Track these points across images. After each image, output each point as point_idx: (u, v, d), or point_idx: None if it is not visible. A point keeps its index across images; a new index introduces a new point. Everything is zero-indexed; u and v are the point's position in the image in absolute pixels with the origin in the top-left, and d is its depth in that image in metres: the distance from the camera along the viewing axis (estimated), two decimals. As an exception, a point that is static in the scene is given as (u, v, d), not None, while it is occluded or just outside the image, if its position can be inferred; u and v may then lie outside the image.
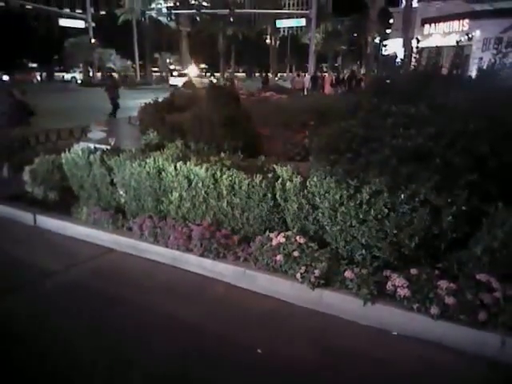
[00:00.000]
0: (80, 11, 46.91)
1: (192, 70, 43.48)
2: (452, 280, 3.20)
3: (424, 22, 24.87)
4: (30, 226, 5.43)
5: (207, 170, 4.38)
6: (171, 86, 30.58)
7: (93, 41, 40.08)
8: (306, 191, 3.84)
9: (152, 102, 10.35)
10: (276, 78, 49.14)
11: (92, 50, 39.82)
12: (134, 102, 15.62)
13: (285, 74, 62.50)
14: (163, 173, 4.65)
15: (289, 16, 42.58)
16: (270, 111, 8.98)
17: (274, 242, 3.85)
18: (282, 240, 3.82)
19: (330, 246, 3.80)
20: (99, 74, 43.92)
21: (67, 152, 5.54)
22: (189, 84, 21.51)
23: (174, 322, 3.38)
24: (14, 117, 8.61)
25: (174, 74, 42.13)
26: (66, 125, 9.92)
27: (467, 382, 2.82)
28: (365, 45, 40.18)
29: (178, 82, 31.27)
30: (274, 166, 4.31)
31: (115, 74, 27.85)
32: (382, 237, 3.42)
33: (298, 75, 27.73)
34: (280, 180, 4.03)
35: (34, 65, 52.88)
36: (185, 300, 3.74)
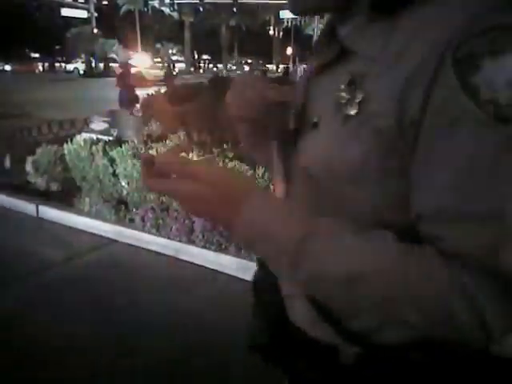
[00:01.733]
0: (82, 1, 46.62)
1: None
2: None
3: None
4: (32, 217, 5.43)
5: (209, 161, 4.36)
6: None
7: (95, 31, 39.92)
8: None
9: (155, 93, 10.33)
10: (279, 70, 49.16)
11: (94, 41, 39.66)
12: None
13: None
14: (165, 164, 4.63)
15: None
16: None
17: (277, 235, 3.83)
18: (285, 232, 3.81)
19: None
20: (102, 65, 43.76)
21: (69, 143, 5.53)
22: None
23: (176, 314, 3.39)
24: (123, 101, 10.31)
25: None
26: (69, 115, 9.91)
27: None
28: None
29: None
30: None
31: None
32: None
33: None
34: (283, 172, 4.00)
35: (36, 55, 52.77)
36: (187, 292, 3.74)
